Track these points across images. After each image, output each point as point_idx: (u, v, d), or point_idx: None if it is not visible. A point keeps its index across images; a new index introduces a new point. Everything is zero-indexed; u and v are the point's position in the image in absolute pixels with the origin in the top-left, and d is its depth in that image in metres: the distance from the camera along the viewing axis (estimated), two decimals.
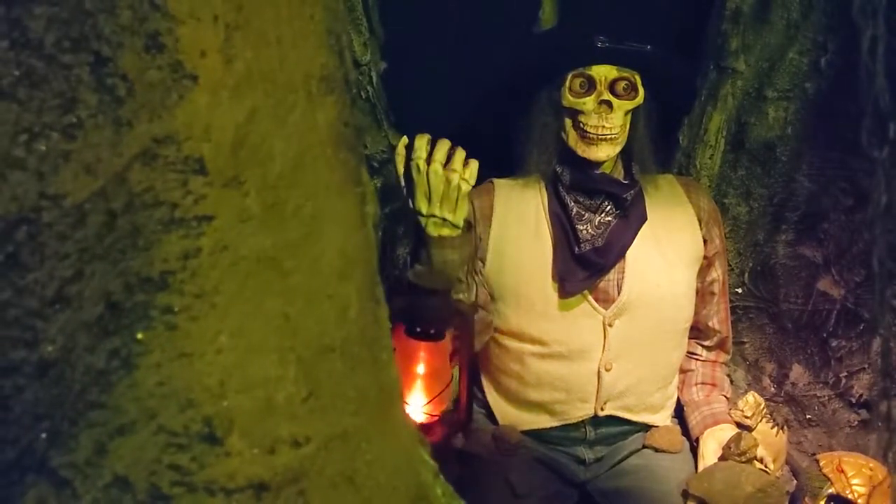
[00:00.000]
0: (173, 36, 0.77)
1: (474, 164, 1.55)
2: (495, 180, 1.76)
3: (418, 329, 1.47)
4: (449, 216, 1.55)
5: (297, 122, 0.86)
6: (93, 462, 0.78)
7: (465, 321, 1.55)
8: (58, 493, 0.78)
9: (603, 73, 1.64)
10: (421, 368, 1.50)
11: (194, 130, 0.79)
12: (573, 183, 1.69)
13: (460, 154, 1.54)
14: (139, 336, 0.79)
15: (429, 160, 1.53)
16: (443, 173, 1.52)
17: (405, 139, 1.58)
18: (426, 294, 1.46)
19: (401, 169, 1.56)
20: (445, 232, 1.56)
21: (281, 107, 0.84)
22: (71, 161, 0.73)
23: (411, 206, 1.56)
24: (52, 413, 0.77)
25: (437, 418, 1.52)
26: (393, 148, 1.87)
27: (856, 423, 1.94)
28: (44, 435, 0.77)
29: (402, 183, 1.56)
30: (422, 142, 1.54)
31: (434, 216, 1.54)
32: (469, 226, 1.63)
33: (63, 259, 0.73)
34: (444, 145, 1.54)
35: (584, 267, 1.67)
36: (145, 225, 0.78)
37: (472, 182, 1.56)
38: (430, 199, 1.54)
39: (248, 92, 0.82)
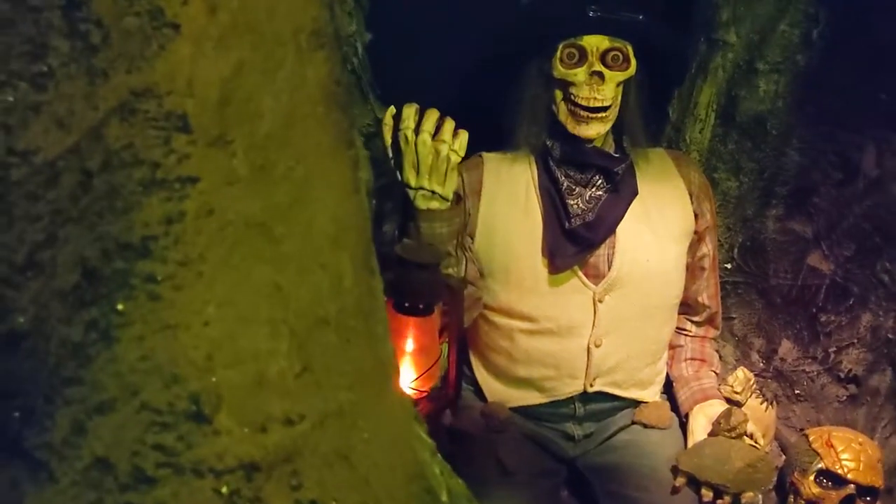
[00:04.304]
0: None
1: (464, 135, 1.52)
2: (484, 154, 1.73)
3: (407, 304, 1.43)
4: (438, 188, 1.51)
5: (286, 77, 0.81)
6: (70, 442, 0.74)
7: (455, 296, 1.51)
8: (33, 476, 0.73)
9: (594, 43, 1.61)
10: (409, 345, 1.46)
11: (176, 84, 0.73)
12: (563, 157, 1.66)
13: (449, 124, 1.51)
14: (119, 306, 0.74)
15: (417, 130, 1.48)
16: (431, 144, 1.48)
17: (392, 109, 1.54)
18: (415, 268, 1.42)
19: (388, 139, 1.52)
20: (434, 205, 1.52)
21: (269, 61, 0.79)
22: (41, 114, 0.67)
23: (399, 178, 1.52)
24: (26, 390, 0.72)
25: (425, 394, 1.48)
26: (379, 121, 1.82)
27: (844, 397, 1.95)
28: (17, 414, 0.73)
29: (390, 154, 1.51)
30: (410, 111, 1.50)
31: (423, 189, 1.51)
32: (458, 198, 1.60)
33: (34, 221, 0.68)
34: (432, 115, 1.50)
35: (574, 242, 1.65)
36: (124, 185, 0.72)
37: (462, 153, 1.53)
38: (418, 172, 1.50)
39: (234, 44, 0.77)
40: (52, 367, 0.72)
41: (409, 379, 1.46)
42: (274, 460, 0.80)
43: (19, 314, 0.69)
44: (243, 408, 0.78)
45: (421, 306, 1.43)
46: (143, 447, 0.75)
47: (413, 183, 1.51)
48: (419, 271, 1.41)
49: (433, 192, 1.52)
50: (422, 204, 1.52)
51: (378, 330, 0.92)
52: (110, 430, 0.74)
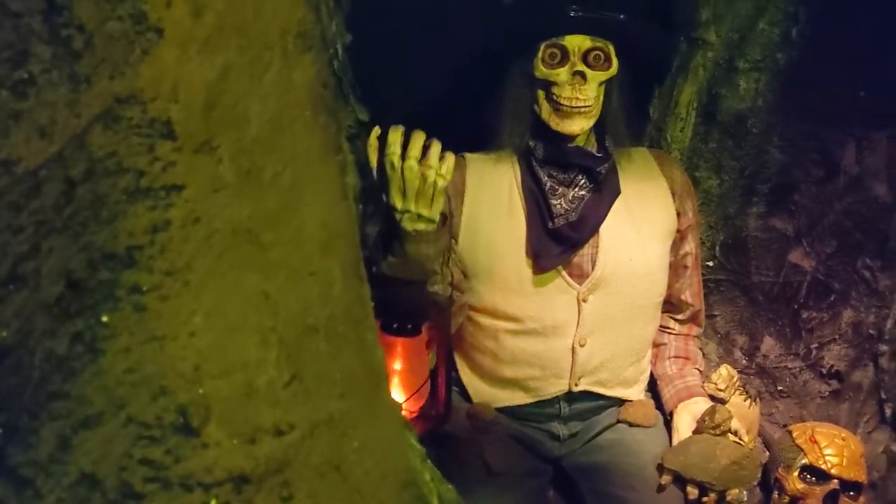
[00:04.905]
0: None
1: (451, 159, 1.47)
2: (467, 155, 1.72)
3: (395, 325, 1.40)
4: (424, 212, 1.48)
5: (273, 81, 0.79)
6: (56, 458, 0.72)
7: (442, 313, 1.49)
8: (18, 494, 0.71)
9: (576, 43, 1.60)
10: (398, 365, 1.44)
11: (161, 90, 0.72)
12: (546, 157, 1.66)
13: (436, 148, 1.46)
14: (104, 318, 0.72)
15: (403, 154, 1.45)
16: (418, 169, 1.44)
17: (377, 130, 1.50)
18: (401, 287, 1.40)
19: (374, 161, 1.47)
20: (421, 227, 1.49)
21: (256, 64, 0.78)
22: (23, 122, 0.65)
23: (385, 200, 1.48)
24: (10, 405, 0.70)
25: (415, 414, 1.47)
26: (360, 123, 1.80)
27: (826, 393, 1.97)
28: (0, 430, 0.70)
29: (375, 176, 1.47)
30: (396, 136, 1.45)
31: (409, 212, 1.48)
32: (444, 219, 1.56)
33: (17, 233, 0.66)
34: (418, 139, 1.45)
35: (558, 242, 1.64)
36: (108, 195, 0.70)
37: (449, 177, 1.48)
38: (404, 195, 1.46)
39: (220, 47, 0.75)
40: (37, 382, 0.70)
41: (398, 400, 1.44)
42: (264, 472, 0.78)
43: (2, 328, 0.67)
44: (232, 419, 0.77)
45: (409, 326, 1.41)
46: (130, 462, 0.73)
47: (399, 206, 1.46)
48: (405, 288, 1.40)
49: (420, 216, 1.49)
50: (408, 226, 1.49)
51: (368, 337, 0.91)
52: (97, 444, 0.72)
